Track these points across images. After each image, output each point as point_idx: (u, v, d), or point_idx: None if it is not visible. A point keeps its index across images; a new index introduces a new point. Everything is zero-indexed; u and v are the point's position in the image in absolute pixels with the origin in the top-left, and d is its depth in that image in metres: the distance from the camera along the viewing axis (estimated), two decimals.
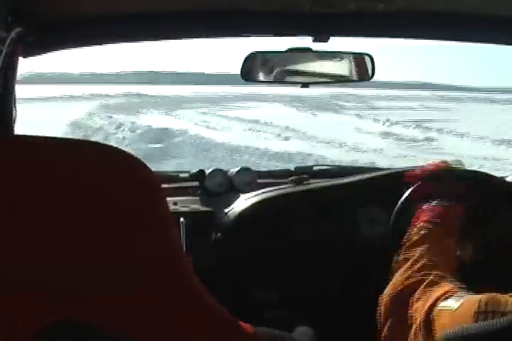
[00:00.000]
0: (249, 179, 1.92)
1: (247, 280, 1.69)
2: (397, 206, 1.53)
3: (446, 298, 0.91)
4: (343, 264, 1.71)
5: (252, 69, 1.48)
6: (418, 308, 0.96)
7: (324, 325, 1.67)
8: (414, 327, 0.94)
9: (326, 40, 1.43)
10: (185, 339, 0.60)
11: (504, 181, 1.74)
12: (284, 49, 1.47)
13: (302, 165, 2.27)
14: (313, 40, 1.42)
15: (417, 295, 0.99)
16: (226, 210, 1.74)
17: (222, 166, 1.98)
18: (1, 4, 1.11)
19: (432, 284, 1.00)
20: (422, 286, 1.00)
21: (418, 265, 1.08)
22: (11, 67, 1.28)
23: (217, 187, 1.89)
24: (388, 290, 1.08)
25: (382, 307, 1.06)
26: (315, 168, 2.16)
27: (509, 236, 1.59)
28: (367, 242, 1.70)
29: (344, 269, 1.72)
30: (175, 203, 1.71)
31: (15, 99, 1.34)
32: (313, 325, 1.59)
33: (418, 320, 0.93)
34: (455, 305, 0.87)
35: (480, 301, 0.82)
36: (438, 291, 0.95)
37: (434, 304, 0.92)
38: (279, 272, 1.69)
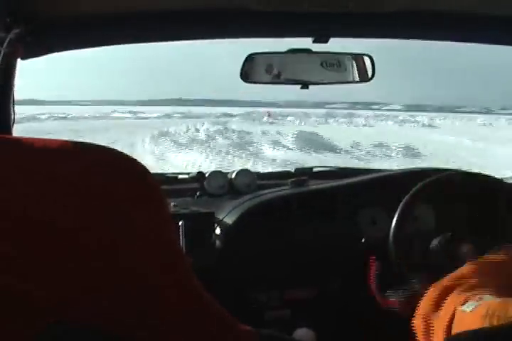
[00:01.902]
0: (249, 181, 1.92)
1: (247, 281, 1.69)
2: (399, 210, 1.52)
3: (468, 301, 0.91)
4: (343, 265, 1.71)
5: (251, 70, 1.48)
6: (446, 309, 0.96)
7: (324, 326, 1.67)
8: (440, 326, 0.94)
9: (325, 41, 1.43)
10: (184, 340, 0.60)
11: (504, 182, 1.74)
12: (283, 50, 1.47)
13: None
14: (313, 41, 1.42)
15: (449, 297, 1.00)
16: (226, 212, 1.74)
17: None
18: (0, 5, 1.11)
19: (467, 289, 1.00)
20: (458, 289, 1.01)
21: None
22: (10, 68, 1.28)
23: (217, 188, 1.89)
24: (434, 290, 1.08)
25: (426, 302, 1.06)
26: (315, 170, 2.16)
27: (510, 237, 1.59)
28: (367, 243, 1.69)
29: (345, 270, 1.71)
30: (175, 205, 1.71)
31: (14, 100, 1.34)
32: (314, 326, 1.59)
33: (445, 320, 0.94)
34: (470, 308, 0.87)
35: (490, 305, 0.83)
36: (465, 295, 0.96)
37: (458, 306, 0.92)
38: (280, 273, 1.69)
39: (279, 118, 27.70)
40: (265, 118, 26.85)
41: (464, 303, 0.92)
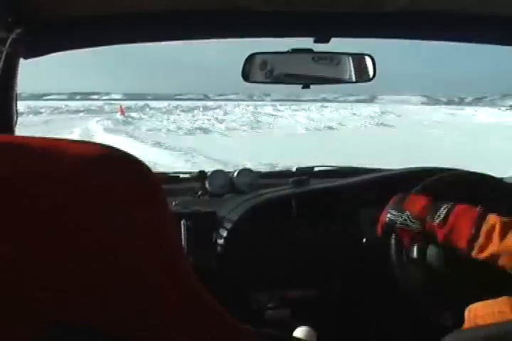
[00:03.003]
0: (250, 180, 1.92)
1: (247, 281, 1.69)
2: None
3: None
4: (343, 265, 1.71)
5: (252, 69, 1.48)
6: None
7: (325, 325, 1.67)
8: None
9: (327, 41, 1.43)
10: (184, 340, 0.60)
11: (503, 182, 1.74)
12: (285, 50, 1.47)
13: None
14: (314, 41, 1.42)
15: None
16: (227, 211, 1.74)
17: None
18: (2, 4, 1.12)
19: None
20: None
21: None
22: (12, 68, 1.29)
23: (219, 188, 1.89)
24: None
25: None
26: (316, 169, 2.16)
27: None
28: (367, 243, 1.69)
29: (344, 270, 1.72)
30: (176, 204, 1.71)
31: (16, 100, 1.34)
32: (314, 325, 1.59)
33: None
34: None
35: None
36: None
37: None
38: (280, 273, 1.69)
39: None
40: (118, 115, 24.77)
41: None
